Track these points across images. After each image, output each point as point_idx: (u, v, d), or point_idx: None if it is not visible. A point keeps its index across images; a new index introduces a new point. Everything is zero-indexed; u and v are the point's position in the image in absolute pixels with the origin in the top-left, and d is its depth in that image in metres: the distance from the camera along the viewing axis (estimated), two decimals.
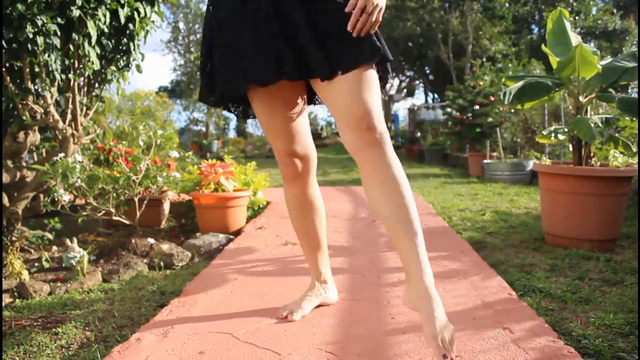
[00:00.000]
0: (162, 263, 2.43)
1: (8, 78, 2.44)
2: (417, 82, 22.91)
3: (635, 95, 4.40)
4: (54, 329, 1.60)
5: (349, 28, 1.23)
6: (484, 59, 12.47)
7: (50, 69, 2.40)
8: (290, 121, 1.48)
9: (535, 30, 17.94)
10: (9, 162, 2.69)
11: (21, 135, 2.70)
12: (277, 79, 1.30)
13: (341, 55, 1.25)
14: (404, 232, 1.22)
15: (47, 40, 2.30)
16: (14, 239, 2.57)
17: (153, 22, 2.94)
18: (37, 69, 2.46)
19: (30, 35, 2.21)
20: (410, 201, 1.24)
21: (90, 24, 2.43)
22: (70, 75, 2.61)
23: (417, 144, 11.82)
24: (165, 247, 2.52)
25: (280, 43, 1.27)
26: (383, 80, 1.41)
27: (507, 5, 15.48)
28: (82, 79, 2.82)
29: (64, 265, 2.37)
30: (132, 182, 2.78)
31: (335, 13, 1.25)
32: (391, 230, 1.25)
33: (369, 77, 1.28)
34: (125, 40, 2.82)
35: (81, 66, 2.66)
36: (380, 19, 1.26)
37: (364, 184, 1.31)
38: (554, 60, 2.68)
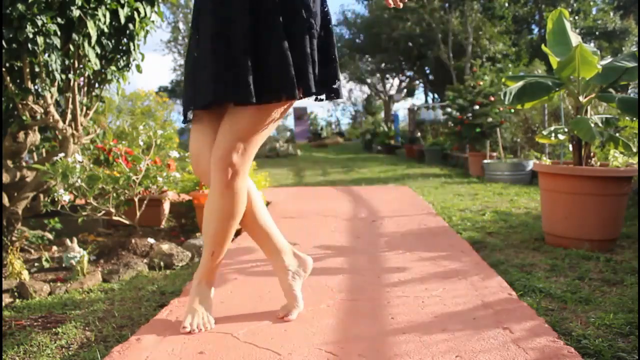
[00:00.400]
0: (162, 263, 2.43)
1: (8, 78, 2.44)
2: (417, 82, 22.92)
3: (635, 95, 4.40)
4: (54, 329, 1.60)
5: None
6: (484, 59, 12.47)
7: (50, 69, 2.40)
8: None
9: (535, 30, 17.94)
10: (9, 162, 2.69)
11: (21, 135, 2.70)
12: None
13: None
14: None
15: (47, 40, 2.30)
16: (14, 239, 2.57)
17: (153, 22, 2.94)
18: (37, 69, 2.46)
19: (30, 35, 2.21)
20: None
21: (90, 24, 2.43)
22: (70, 75, 2.61)
23: (417, 144, 11.81)
24: (165, 247, 2.52)
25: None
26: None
27: (507, 5, 15.48)
28: (82, 79, 2.82)
29: (64, 265, 2.37)
30: (132, 182, 2.78)
31: None
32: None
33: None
34: (125, 40, 2.82)
35: (81, 66, 2.66)
36: None
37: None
38: (554, 60, 2.68)
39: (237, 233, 3.17)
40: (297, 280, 1.62)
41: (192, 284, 1.57)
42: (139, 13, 2.75)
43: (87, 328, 1.62)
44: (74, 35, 2.49)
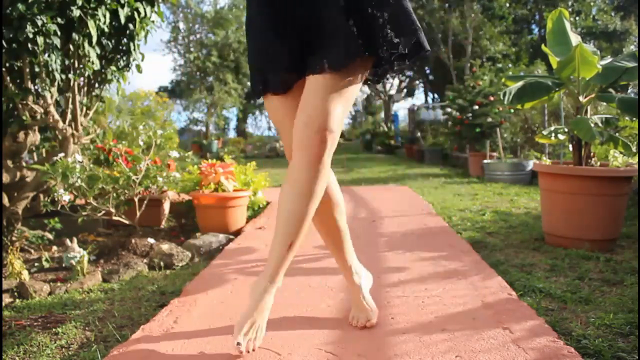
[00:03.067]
0: (162, 263, 2.43)
1: (8, 78, 2.44)
2: (417, 82, 22.92)
3: (635, 95, 4.40)
4: (54, 329, 1.60)
5: None
6: (484, 59, 12.46)
7: (50, 69, 2.40)
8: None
9: (535, 30, 17.94)
10: (9, 162, 2.68)
11: (21, 135, 2.70)
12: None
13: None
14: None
15: (47, 40, 2.30)
16: (14, 239, 2.57)
17: (153, 22, 2.94)
18: (37, 69, 2.46)
19: (30, 35, 2.21)
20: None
21: (90, 24, 2.43)
22: (70, 75, 2.61)
23: (417, 144, 11.81)
24: (165, 247, 2.52)
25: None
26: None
27: (507, 5, 15.47)
28: (82, 79, 2.82)
29: (64, 265, 2.37)
30: (132, 182, 2.78)
31: None
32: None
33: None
34: (125, 40, 2.82)
35: (81, 66, 2.66)
36: None
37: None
38: (554, 60, 2.68)
39: (237, 233, 3.17)
40: (367, 293, 1.56)
41: (256, 285, 1.35)
42: (139, 13, 2.75)
43: (87, 328, 1.62)
44: (74, 35, 2.49)
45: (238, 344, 1.26)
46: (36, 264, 2.43)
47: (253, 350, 1.31)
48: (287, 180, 1.33)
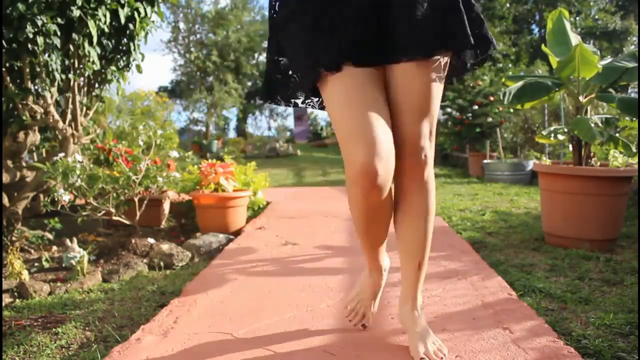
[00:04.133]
0: (162, 263, 2.43)
1: (8, 78, 2.44)
2: None
3: (635, 95, 4.40)
4: (54, 329, 1.60)
5: None
6: None
7: (50, 69, 2.40)
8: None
9: (535, 30, 17.94)
10: (9, 162, 2.68)
11: (21, 135, 2.70)
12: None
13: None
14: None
15: (47, 40, 2.30)
16: (14, 239, 2.57)
17: (153, 22, 2.94)
18: (37, 69, 2.46)
19: (30, 35, 2.21)
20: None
21: (90, 24, 2.43)
22: (70, 75, 2.61)
23: None
24: (165, 247, 2.52)
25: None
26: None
27: (507, 5, 15.47)
28: (82, 79, 2.82)
29: (64, 265, 2.37)
30: (132, 182, 2.78)
31: None
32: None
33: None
34: (125, 40, 2.82)
35: (81, 66, 2.66)
36: None
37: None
38: (554, 60, 2.68)
39: (237, 233, 3.17)
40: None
41: (407, 316, 1.34)
42: (139, 13, 2.75)
43: (87, 328, 1.62)
44: (74, 35, 2.49)
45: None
46: (36, 264, 2.43)
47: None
48: (398, 206, 1.28)
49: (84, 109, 2.90)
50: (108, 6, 2.56)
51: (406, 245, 1.30)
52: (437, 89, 1.19)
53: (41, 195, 2.85)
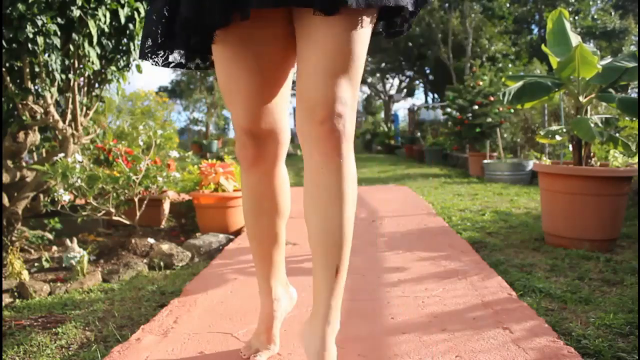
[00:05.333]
0: (162, 263, 2.43)
1: (8, 78, 2.44)
2: (417, 82, 22.94)
3: (635, 95, 4.40)
4: (54, 329, 1.60)
5: None
6: (484, 59, 12.47)
7: (50, 69, 2.40)
8: (259, 86, 1.07)
9: (535, 30, 17.95)
10: (9, 162, 2.69)
11: (21, 135, 2.70)
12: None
13: None
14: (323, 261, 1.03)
15: (47, 40, 2.30)
16: (14, 239, 2.57)
17: None
18: (37, 69, 2.46)
19: (30, 35, 2.21)
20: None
21: (90, 24, 2.43)
22: (70, 75, 2.61)
23: (417, 144, 11.82)
24: (165, 247, 2.52)
25: None
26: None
27: (507, 5, 15.49)
28: (82, 79, 2.82)
29: (64, 265, 2.37)
30: (132, 182, 2.78)
31: None
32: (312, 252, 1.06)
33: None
34: (125, 40, 2.82)
35: (81, 66, 2.66)
36: None
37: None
38: (554, 60, 2.68)
39: (237, 233, 3.17)
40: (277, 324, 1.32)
41: (310, 333, 1.09)
42: (139, 13, 2.75)
43: (87, 328, 1.62)
44: (74, 35, 2.49)
45: None
46: (36, 264, 2.43)
47: None
48: (306, 189, 1.06)
49: (84, 109, 2.90)
50: (108, 6, 2.56)
51: (317, 237, 1.04)
52: (359, 45, 0.97)
53: (41, 195, 2.85)
